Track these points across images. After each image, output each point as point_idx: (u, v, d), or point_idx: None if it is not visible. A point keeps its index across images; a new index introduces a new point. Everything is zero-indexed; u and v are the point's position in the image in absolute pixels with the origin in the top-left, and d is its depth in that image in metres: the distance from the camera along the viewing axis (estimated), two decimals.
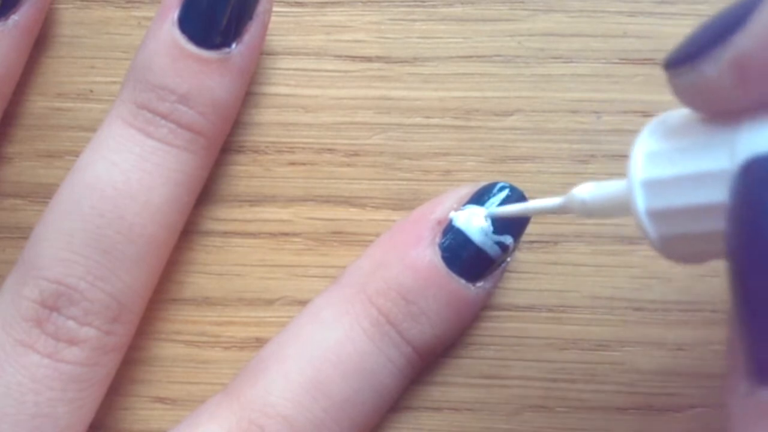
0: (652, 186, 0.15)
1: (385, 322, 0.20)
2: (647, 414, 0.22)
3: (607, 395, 0.22)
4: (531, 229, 0.22)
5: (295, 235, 0.23)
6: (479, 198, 0.20)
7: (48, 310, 0.19)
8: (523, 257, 0.22)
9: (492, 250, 0.20)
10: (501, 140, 0.23)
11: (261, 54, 0.23)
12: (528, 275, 0.22)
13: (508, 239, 0.20)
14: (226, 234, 0.23)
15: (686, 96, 0.15)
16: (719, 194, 0.14)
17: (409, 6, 0.23)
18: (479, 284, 0.20)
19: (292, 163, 0.23)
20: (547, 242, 0.22)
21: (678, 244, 0.15)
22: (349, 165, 0.23)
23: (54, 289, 0.19)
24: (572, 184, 0.22)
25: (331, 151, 0.23)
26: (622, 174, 0.22)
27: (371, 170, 0.23)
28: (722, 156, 0.14)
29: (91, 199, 0.20)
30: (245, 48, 0.21)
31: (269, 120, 0.23)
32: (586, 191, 0.17)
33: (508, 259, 0.21)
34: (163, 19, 0.20)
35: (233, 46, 0.20)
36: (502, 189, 0.20)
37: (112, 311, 0.20)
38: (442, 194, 0.21)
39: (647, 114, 0.22)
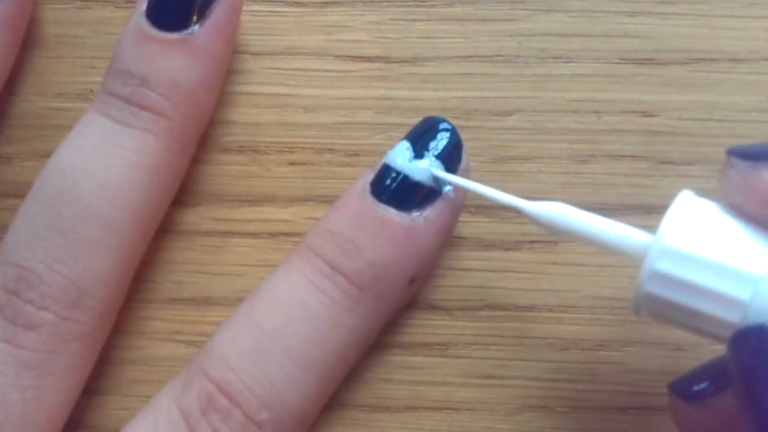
0: (663, 278, 0.16)
1: (315, 255, 0.20)
2: (647, 414, 0.22)
3: (607, 395, 0.22)
4: (531, 228, 0.22)
5: (295, 235, 0.23)
6: (409, 133, 0.21)
7: (9, 295, 0.19)
8: (523, 257, 0.22)
9: (415, 173, 0.20)
10: (501, 140, 0.23)
11: (234, 38, 0.23)
12: (528, 275, 0.22)
13: (433, 162, 0.20)
14: (226, 234, 0.23)
15: (744, 192, 0.16)
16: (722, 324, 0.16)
17: (409, 6, 0.23)
18: (415, 213, 0.20)
19: (292, 163, 0.23)
20: (547, 242, 0.22)
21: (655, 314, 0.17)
22: (349, 165, 0.23)
23: (14, 272, 0.19)
24: (572, 184, 0.22)
25: (331, 151, 0.23)
26: (622, 174, 0.22)
27: None
28: (735, 310, 0.15)
29: (52, 182, 0.20)
30: (208, 28, 0.21)
31: (269, 120, 0.23)
32: (564, 215, 0.18)
33: (449, 186, 0.20)
34: (134, 12, 0.21)
35: (195, 27, 0.21)
36: (442, 132, 0.20)
37: (70, 295, 0.20)
38: None
39: (647, 114, 0.23)
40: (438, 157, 0.20)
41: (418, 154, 0.20)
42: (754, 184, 0.16)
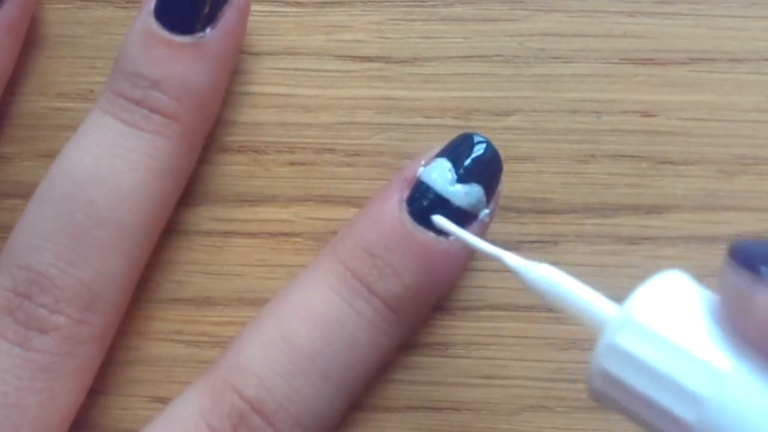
0: (618, 353, 0.14)
1: (351, 276, 0.20)
2: None
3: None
4: (531, 229, 0.22)
5: (295, 235, 0.23)
6: (449, 150, 0.20)
7: (20, 298, 0.19)
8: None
9: (457, 199, 0.19)
10: (501, 140, 0.22)
11: (242, 42, 0.23)
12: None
13: (474, 188, 0.20)
14: (226, 234, 0.23)
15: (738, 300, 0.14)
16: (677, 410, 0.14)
17: (409, 6, 0.23)
18: (453, 237, 0.19)
19: (292, 163, 0.23)
20: (546, 242, 0.22)
21: (607, 396, 0.15)
22: (349, 165, 0.23)
23: (25, 276, 0.19)
24: (572, 184, 0.22)
25: (331, 151, 0.23)
26: (622, 174, 0.22)
27: (371, 170, 0.23)
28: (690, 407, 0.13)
29: (62, 185, 0.20)
30: (219, 32, 0.21)
31: (269, 120, 0.23)
32: (551, 281, 0.16)
33: (486, 211, 0.20)
34: (141, 10, 0.21)
35: (207, 31, 0.20)
36: (478, 143, 0.20)
37: (83, 299, 0.20)
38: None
39: (647, 114, 0.23)
40: (480, 181, 0.20)
41: (461, 178, 0.20)
42: (751, 308, 0.13)
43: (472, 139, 0.20)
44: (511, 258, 0.17)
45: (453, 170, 0.20)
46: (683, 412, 0.13)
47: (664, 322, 0.14)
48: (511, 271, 0.17)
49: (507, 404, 0.22)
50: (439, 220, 0.19)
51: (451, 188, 0.19)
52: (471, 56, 0.23)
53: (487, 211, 0.20)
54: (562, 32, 0.23)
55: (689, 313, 0.14)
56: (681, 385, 0.13)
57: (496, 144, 0.22)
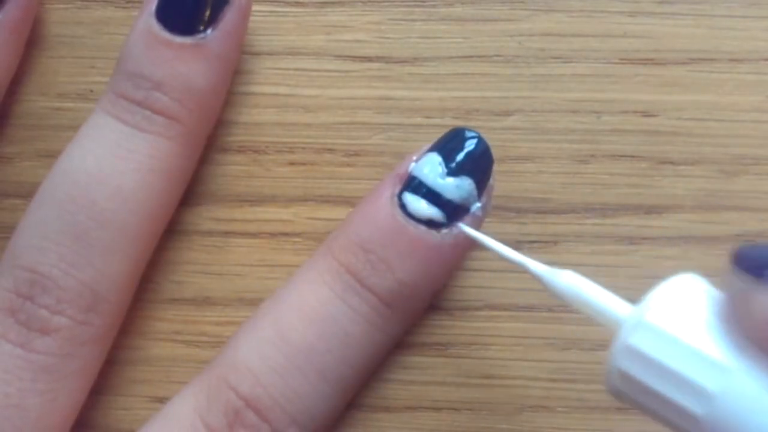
0: (632, 353, 0.15)
1: (345, 272, 0.20)
2: None
3: (607, 395, 0.22)
4: (531, 229, 0.22)
5: (295, 235, 0.23)
6: (440, 145, 0.20)
7: (22, 299, 0.19)
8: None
9: (447, 192, 0.19)
10: (501, 140, 0.23)
11: (243, 43, 0.23)
12: (528, 275, 0.22)
13: (465, 181, 0.20)
14: (226, 234, 0.23)
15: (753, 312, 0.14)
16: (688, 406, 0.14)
17: (409, 6, 0.23)
18: (444, 230, 0.20)
19: (292, 163, 0.23)
20: (547, 242, 0.22)
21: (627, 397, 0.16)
22: (349, 165, 0.23)
23: (27, 277, 0.19)
24: (572, 184, 0.22)
25: (331, 151, 0.23)
26: (622, 174, 0.22)
27: (371, 170, 0.23)
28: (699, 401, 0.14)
29: (64, 186, 0.20)
30: (221, 33, 0.21)
31: (269, 120, 0.23)
32: (573, 286, 0.17)
33: (478, 204, 0.20)
34: (143, 12, 0.21)
35: (208, 32, 0.20)
36: (469, 138, 0.20)
37: (85, 300, 0.20)
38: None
39: (647, 114, 0.23)
40: (471, 174, 0.20)
41: (452, 171, 0.20)
42: (752, 309, 0.14)
43: (464, 134, 0.20)
44: (534, 265, 0.18)
45: (443, 164, 0.20)
46: (692, 406, 0.14)
47: (674, 323, 0.15)
48: (534, 277, 0.18)
49: (507, 404, 0.22)
50: (464, 228, 0.20)
51: (441, 181, 0.20)
52: (471, 56, 0.23)
53: (479, 204, 0.20)
54: (562, 32, 0.23)
55: (698, 314, 0.15)
56: (689, 381, 0.14)
57: (496, 144, 0.22)
